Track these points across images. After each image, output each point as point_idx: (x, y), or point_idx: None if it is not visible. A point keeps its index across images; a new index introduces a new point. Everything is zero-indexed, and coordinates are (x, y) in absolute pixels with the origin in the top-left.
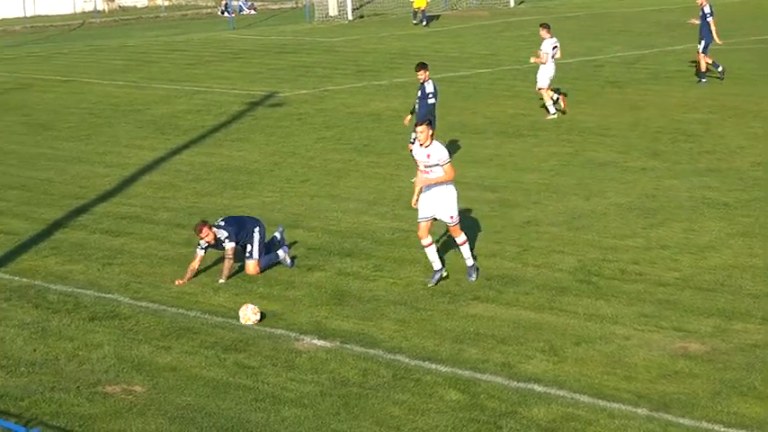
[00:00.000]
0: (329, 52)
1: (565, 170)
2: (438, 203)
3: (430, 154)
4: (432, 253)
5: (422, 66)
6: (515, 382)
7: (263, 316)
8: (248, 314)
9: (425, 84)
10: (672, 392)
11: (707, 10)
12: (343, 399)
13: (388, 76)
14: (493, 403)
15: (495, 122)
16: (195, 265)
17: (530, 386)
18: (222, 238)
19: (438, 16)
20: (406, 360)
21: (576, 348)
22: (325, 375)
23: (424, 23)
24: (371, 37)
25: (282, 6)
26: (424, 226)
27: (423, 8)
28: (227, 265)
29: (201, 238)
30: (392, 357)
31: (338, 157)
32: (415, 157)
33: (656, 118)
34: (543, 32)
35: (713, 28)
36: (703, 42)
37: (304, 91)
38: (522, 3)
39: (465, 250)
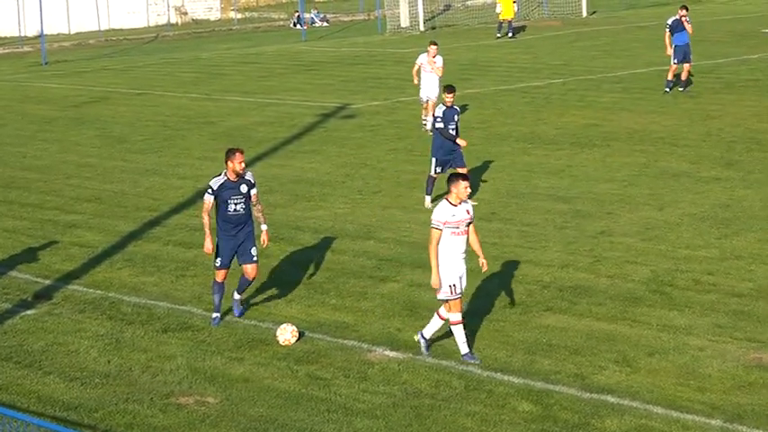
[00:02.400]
0: (401, 63)
1: (637, 180)
2: (462, 272)
3: (469, 209)
4: (462, 332)
5: (454, 89)
6: (588, 394)
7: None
8: (287, 336)
9: (455, 107)
10: (746, 404)
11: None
12: (416, 410)
13: (460, 87)
14: (566, 415)
15: (567, 133)
16: (206, 216)
17: (603, 397)
18: (253, 181)
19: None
20: (479, 371)
21: (650, 359)
22: (398, 387)
23: (510, 35)
24: (443, 48)
25: (354, 18)
26: (459, 302)
27: (510, 19)
28: (262, 208)
29: (235, 163)
30: (464, 368)
31: (410, 168)
32: (453, 221)
33: (730, 128)
34: (437, 48)
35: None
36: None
37: (376, 102)
38: (594, 13)
39: (461, 333)
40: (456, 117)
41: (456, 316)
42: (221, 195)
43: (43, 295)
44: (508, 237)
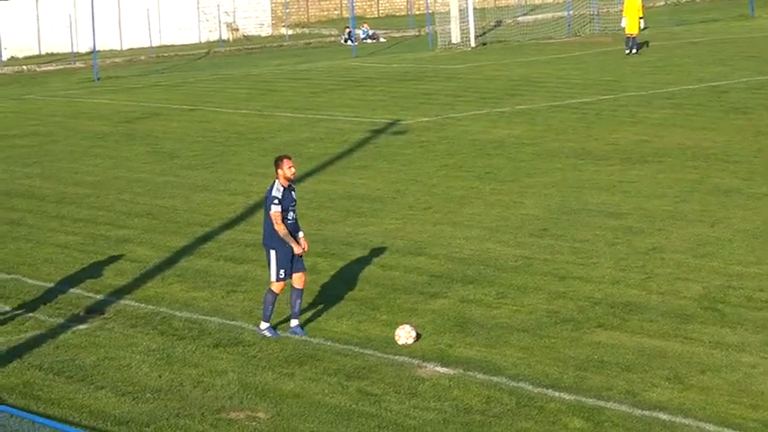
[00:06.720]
0: (451, 79)
1: (689, 197)
2: None
3: None
4: None
5: None
6: (640, 411)
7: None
8: (402, 336)
9: None
10: None
11: None
12: (467, 426)
13: (510, 102)
14: None
15: (618, 149)
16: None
17: (654, 414)
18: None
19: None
20: (530, 387)
21: (702, 376)
22: (448, 403)
23: (634, 51)
24: (494, 64)
25: (405, 34)
26: None
27: (635, 35)
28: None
29: (285, 169)
30: (515, 385)
31: (461, 185)
32: None
33: None
34: None
35: None
36: None
37: (426, 118)
38: (646, 28)
39: None
40: None
41: None
42: (283, 204)
43: (95, 310)
44: (560, 253)
